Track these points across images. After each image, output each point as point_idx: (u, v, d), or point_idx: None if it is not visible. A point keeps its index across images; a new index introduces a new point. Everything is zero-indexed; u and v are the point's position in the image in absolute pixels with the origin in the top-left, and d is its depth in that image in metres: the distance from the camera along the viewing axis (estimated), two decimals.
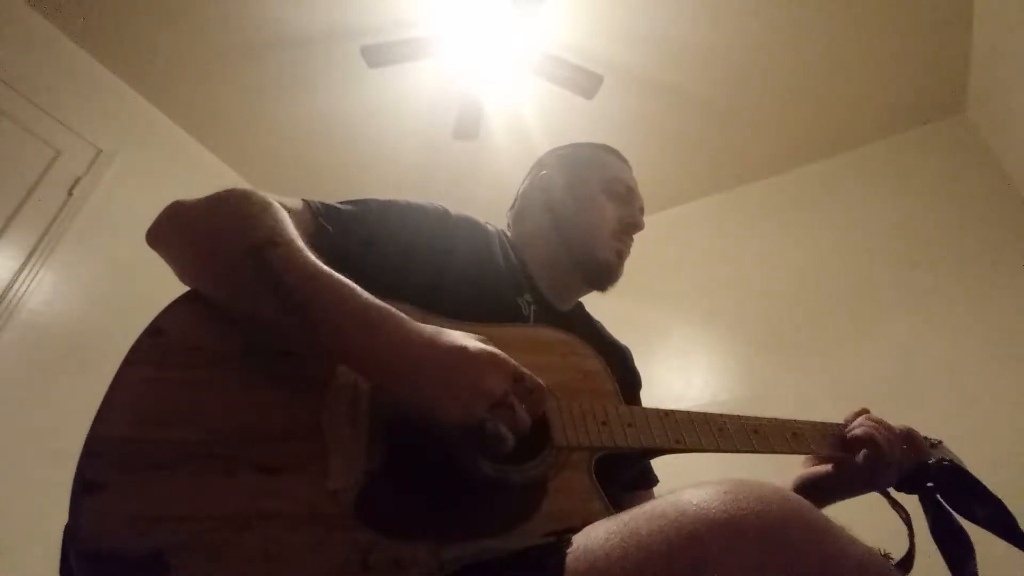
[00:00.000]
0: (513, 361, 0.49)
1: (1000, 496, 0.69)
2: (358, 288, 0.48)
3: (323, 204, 0.64)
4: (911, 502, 0.73)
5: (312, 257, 0.49)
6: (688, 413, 0.63)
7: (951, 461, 0.73)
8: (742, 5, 1.99)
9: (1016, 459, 1.71)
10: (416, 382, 0.45)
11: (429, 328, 0.48)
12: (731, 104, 2.38)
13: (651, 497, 0.83)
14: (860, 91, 2.32)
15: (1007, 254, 2.07)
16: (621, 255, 0.83)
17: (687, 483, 0.39)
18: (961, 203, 2.25)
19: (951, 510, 0.70)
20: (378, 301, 0.48)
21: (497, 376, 0.46)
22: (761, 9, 2.00)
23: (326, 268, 0.48)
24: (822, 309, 2.31)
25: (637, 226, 0.84)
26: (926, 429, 0.80)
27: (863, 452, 0.70)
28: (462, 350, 0.47)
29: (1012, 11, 1.79)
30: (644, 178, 0.94)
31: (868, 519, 0.44)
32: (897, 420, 0.76)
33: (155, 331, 0.46)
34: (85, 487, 0.38)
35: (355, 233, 0.63)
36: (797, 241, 2.53)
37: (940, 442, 0.77)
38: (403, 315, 0.48)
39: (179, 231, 0.54)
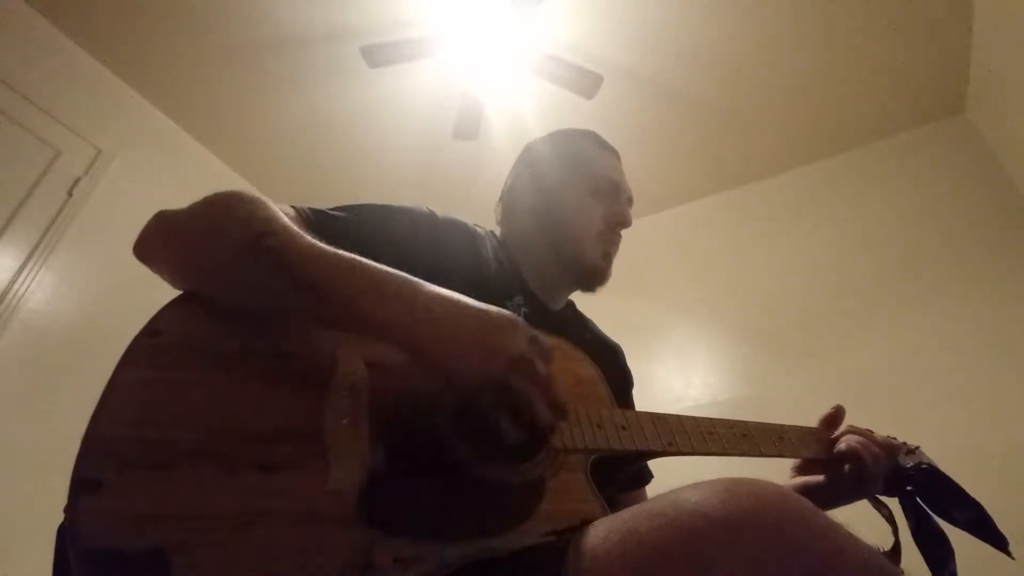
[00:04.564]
0: (525, 322, 0.50)
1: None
2: (367, 260, 0.49)
3: (312, 210, 0.64)
4: (892, 505, 0.75)
5: (313, 239, 0.50)
6: (679, 417, 0.66)
7: (930, 465, 0.74)
8: (742, 5, 1.99)
9: (1017, 459, 1.71)
10: (437, 339, 0.45)
11: (444, 291, 0.49)
12: (731, 104, 2.38)
13: (644, 495, 0.84)
14: (860, 91, 2.32)
15: (1007, 254, 2.07)
16: (608, 256, 0.82)
17: (685, 483, 0.39)
18: (961, 203, 2.25)
19: (931, 513, 0.71)
20: (390, 269, 0.49)
21: (515, 334, 0.47)
22: (761, 9, 2.00)
23: (330, 247, 0.49)
24: (822, 309, 2.31)
25: (624, 223, 0.83)
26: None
27: (848, 465, 0.73)
28: (480, 309, 0.48)
29: (1012, 11, 1.79)
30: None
31: (851, 518, 0.45)
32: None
33: (152, 331, 0.46)
34: (82, 486, 0.37)
35: (346, 240, 0.63)
36: (797, 241, 2.53)
37: (918, 447, 0.79)
38: (418, 280, 0.49)
39: (171, 236, 0.54)
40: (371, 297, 0.46)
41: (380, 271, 0.48)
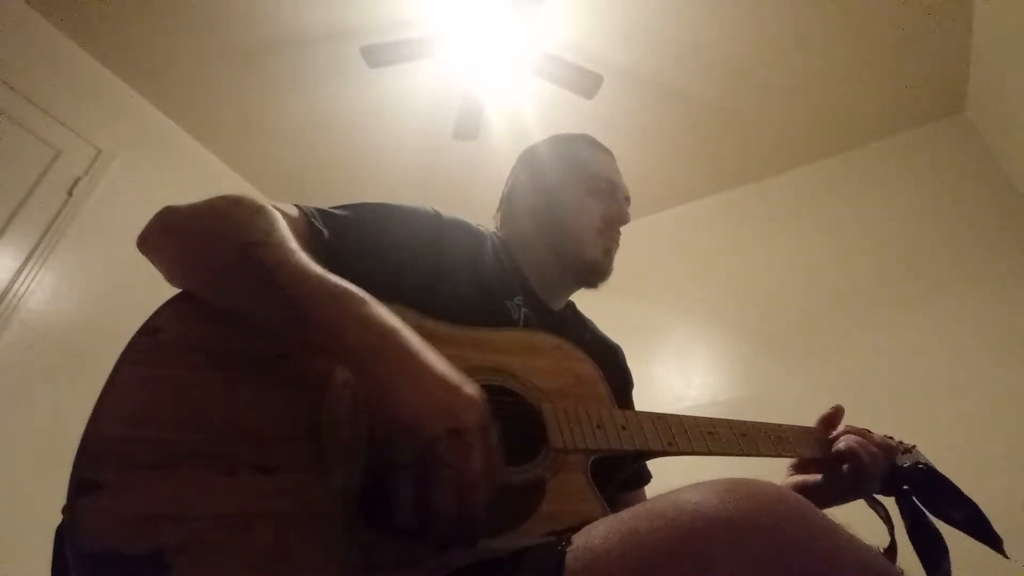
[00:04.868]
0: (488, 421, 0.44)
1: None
2: (350, 286, 0.47)
3: (318, 209, 0.64)
4: (888, 504, 0.76)
5: (305, 257, 0.49)
6: (679, 417, 0.66)
7: (926, 464, 0.75)
8: (742, 5, 1.99)
9: (1017, 459, 1.71)
10: (394, 378, 0.42)
11: (424, 343, 0.46)
12: (731, 104, 2.38)
13: (644, 495, 0.84)
14: (860, 91, 2.32)
15: (1007, 254, 2.07)
16: (609, 252, 0.83)
17: (685, 483, 0.39)
18: (961, 203, 2.25)
19: (926, 512, 0.72)
20: (372, 300, 0.47)
21: (472, 412, 0.42)
22: (761, 9, 2.00)
23: (318, 268, 0.48)
24: (822, 309, 2.31)
25: (623, 219, 0.84)
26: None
27: (846, 465, 0.73)
28: (454, 373, 0.44)
29: (1012, 11, 1.79)
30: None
31: (848, 517, 0.45)
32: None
33: (151, 330, 0.46)
34: (81, 487, 0.37)
35: (350, 238, 0.63)
36: (797, 241, 2.53)
37: (914, 447, 0.79)
38: (399, 321, 0.46)
39: (172, 234, 0.54)
40: (346, 326, 0.44)
41: (363, 310, 0.45)
